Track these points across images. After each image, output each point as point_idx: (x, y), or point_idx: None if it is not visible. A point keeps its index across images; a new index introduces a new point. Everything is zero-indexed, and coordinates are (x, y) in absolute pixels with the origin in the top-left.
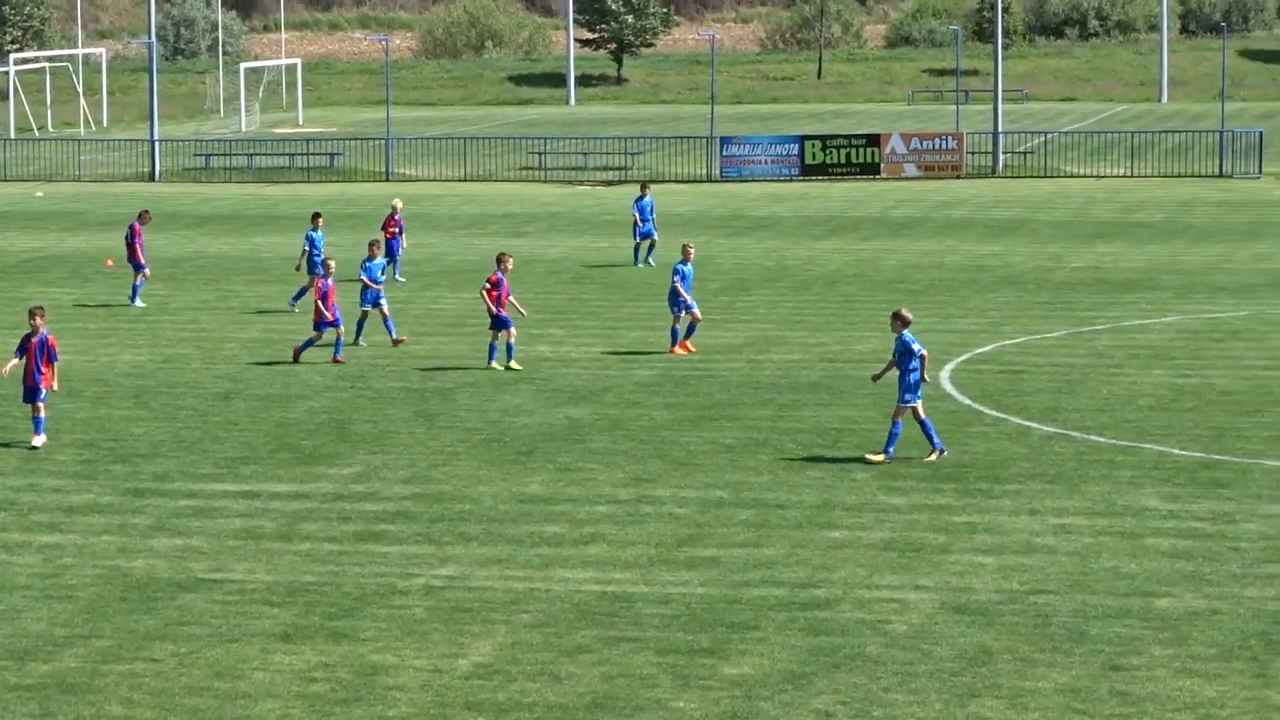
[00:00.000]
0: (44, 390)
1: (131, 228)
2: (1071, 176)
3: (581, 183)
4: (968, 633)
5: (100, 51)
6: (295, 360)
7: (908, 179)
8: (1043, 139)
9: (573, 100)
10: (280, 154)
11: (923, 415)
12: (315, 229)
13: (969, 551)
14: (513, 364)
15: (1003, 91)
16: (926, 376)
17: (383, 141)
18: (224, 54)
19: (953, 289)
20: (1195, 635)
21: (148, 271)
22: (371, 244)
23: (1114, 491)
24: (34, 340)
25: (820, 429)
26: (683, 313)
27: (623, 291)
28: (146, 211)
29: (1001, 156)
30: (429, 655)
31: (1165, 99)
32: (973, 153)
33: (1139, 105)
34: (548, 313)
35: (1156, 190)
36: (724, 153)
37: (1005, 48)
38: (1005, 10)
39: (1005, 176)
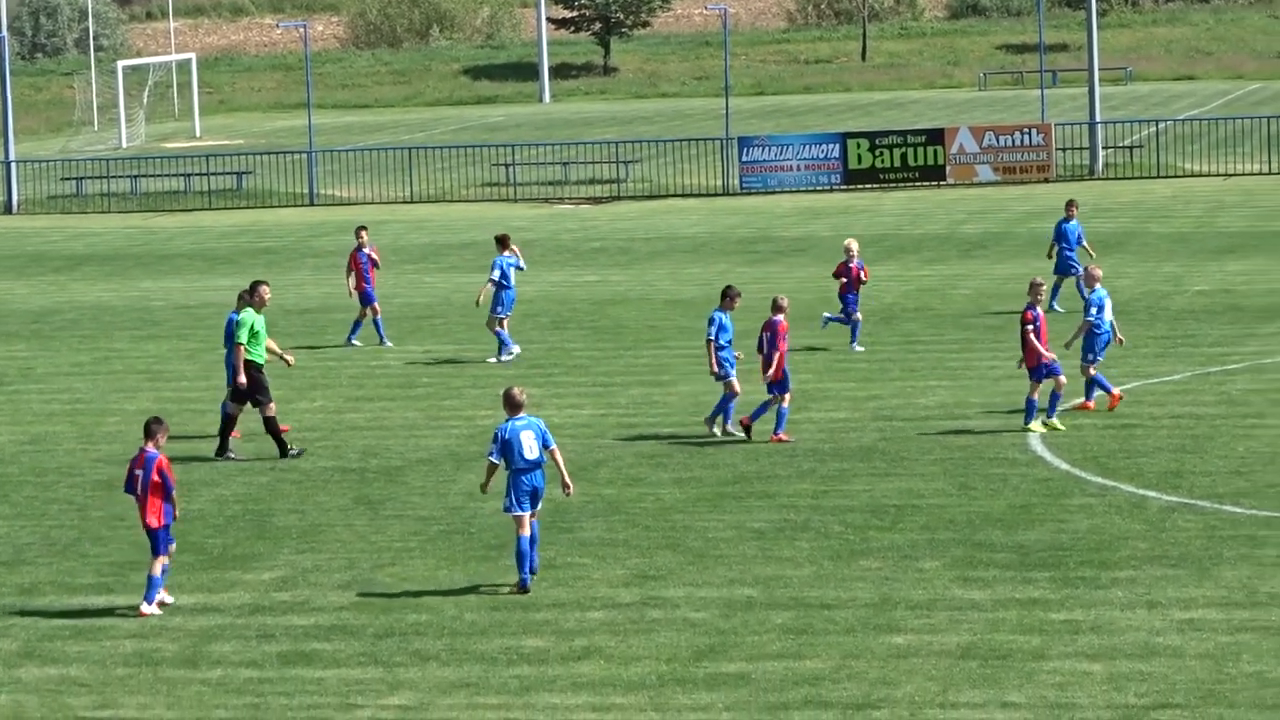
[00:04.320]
0: None
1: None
2: (1192, 175)
3: (562, 201)
4: None
5: None
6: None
7: (981, 184)
8: (1154, 129)
9: (547, 96)
10: (173, 174)
11: None
12: (506, 252)
13: (1071, 657)
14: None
15: (1100, 70)
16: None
17: (304, 156)
18: (97, 49)
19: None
20: None
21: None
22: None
23: (1256, 576)
24: None
25: (875, 506)
26: (1096, 359)
27: (618, 338)
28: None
29: (1101, 153)
30: None
31: None
32: (1064, 149)
33: (1278, 83)
34: (523, 366)
35: None
36: (744, 158)
37: (1102, 14)
38: None
39: (1107, 178)
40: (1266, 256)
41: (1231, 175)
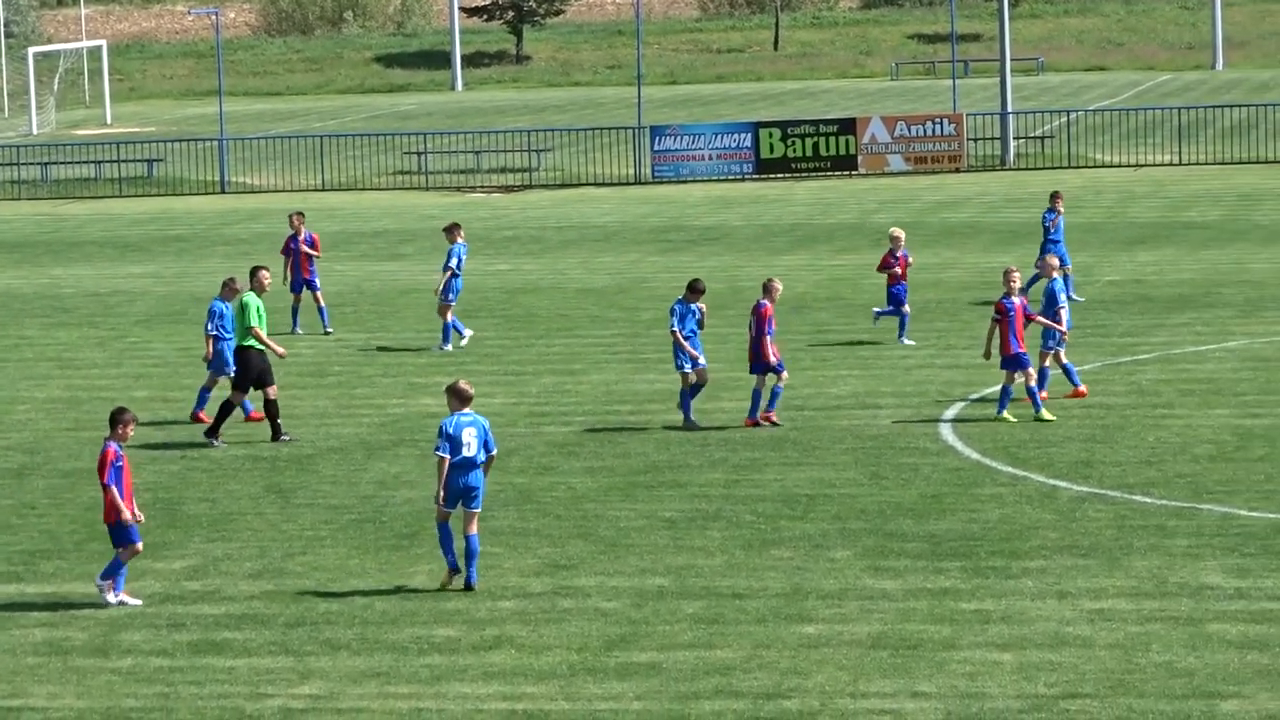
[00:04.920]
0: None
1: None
2: (1102, 166)
3: (474, 189)
4: None
5: None
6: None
7: (893, 174)
8: (1065, 119)
9: (459, 85)
10: (84, 161)
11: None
12: (456, 241)
13: (981, 647)
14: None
15: (1012, 61)
16: None
17: (215, 143)
18: (8, 36)
19: (954, 312)
20: None
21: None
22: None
23: (1165, 566)
24: None
25: (787, 496)
26: (1057, 346)
27: (529, 327)
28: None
29: (1012, 143)
30: None
31: (1221, 65)
32: (976, 139)
33: (1187, 74)
34: (434, 355)
35: (1212, 181)
36: (656, 147)
37: (1014, 4)
38: None
39: (1018, 169)
40: (1176, 247)
41: (1142, 166)
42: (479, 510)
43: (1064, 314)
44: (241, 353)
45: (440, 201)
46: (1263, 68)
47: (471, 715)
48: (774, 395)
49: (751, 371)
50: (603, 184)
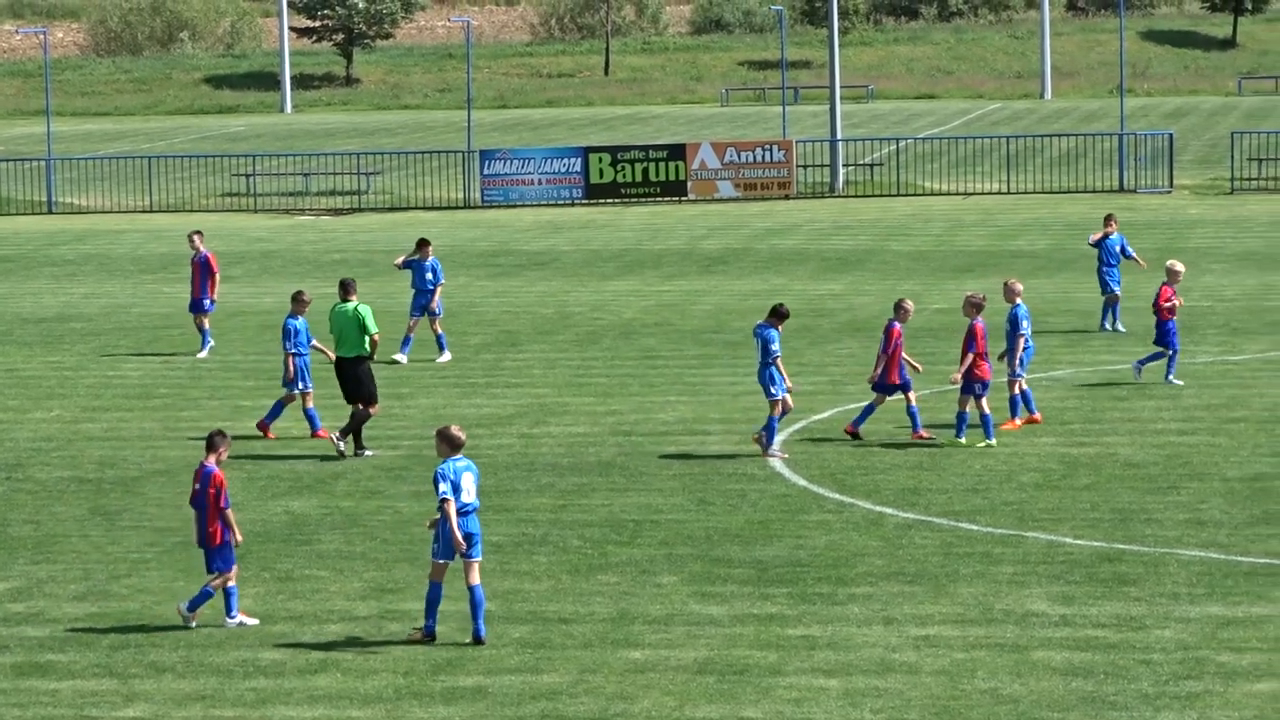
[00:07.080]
0: None
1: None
2: (931, 194)
3: (302, 212)
4: None
5: None
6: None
7: (722, 200)
8: (894, 147)
9: (289, 107)
10: None
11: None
12: (422, 258)
13: (807, 673)
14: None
15: (842, 88)
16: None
17: (43, 163)
18: None
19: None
20: None
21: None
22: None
23: (991, 593)
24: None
25: (614, 521)
26: (1022, 373)
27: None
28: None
29: (842, 170)
30: None
31: (1049, 94)
32: (805, 166)
33: (1016, 103)
34: (261, 378)
35: (1040, 210)
36: (486, 171)
37: (844, 32)
38: None
39: (847, 195)
40: (1004, 275)
41: (970, 194)
42: (479, 559)
43: (1024, 341)
44: (350, 365)
45: (268, 224)
46: (1090, 98)
47: None
48: (912, 415)
49: (875, 389)
50: (432, 208)
